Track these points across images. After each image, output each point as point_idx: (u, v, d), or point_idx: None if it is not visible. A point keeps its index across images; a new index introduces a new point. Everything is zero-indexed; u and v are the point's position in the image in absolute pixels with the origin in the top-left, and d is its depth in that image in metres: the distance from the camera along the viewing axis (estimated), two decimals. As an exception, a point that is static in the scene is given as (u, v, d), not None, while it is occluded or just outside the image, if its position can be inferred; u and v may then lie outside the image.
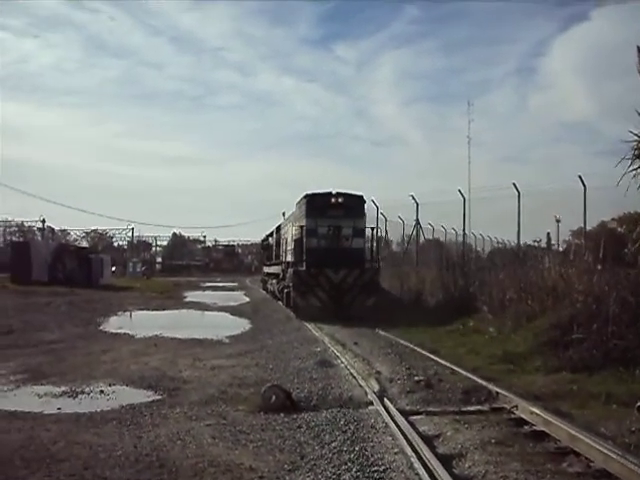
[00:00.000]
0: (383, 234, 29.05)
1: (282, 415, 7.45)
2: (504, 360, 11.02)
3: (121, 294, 31.97)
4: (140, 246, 78.91)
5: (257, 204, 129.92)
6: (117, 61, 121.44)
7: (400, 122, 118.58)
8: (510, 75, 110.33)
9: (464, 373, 9.79)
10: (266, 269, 36.03)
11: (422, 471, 5.33)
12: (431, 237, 27.84)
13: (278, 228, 29.54)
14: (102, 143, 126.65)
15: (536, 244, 21.89)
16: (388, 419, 7.11)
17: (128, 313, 23.59)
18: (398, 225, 27.65)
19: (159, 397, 8.71)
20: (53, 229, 64.78)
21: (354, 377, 9.78)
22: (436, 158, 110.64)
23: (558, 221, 20.24)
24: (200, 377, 10.07)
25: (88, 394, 8.86)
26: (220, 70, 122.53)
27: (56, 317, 19.68)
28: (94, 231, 75.23)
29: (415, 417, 7.38)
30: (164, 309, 25.18)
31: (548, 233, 21.56)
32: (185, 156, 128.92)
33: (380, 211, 26.40)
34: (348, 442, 6.32)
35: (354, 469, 5.52)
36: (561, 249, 20.19)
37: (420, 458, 5.64)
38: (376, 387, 8.93)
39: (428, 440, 6.35)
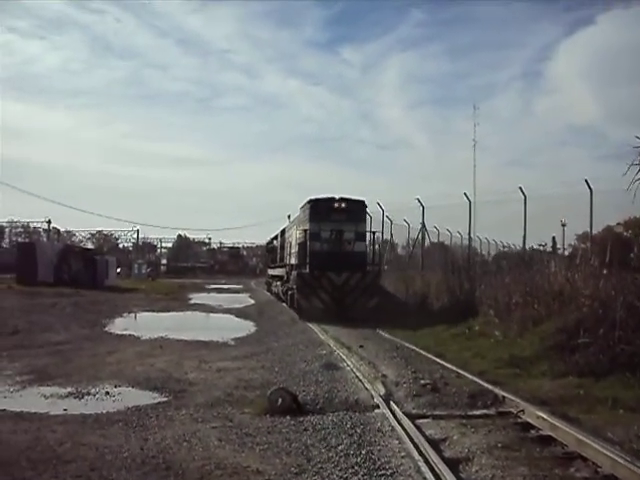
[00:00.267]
0: (388, 237, 29.10)
1: (288, 418, 7.45)
2: (510, 364, 10.97)
3: (126, 295, 32.05)
4: (145, 248, 79.05)
5: (263, 206, 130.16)
6: (123, 62, 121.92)
7: (405, 125, 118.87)
8: (515, 79, 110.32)
9: (470, 377, 9.75)
10: (271, 271, 36.31)
11: (429, 475, 5.32)
12: (436, 240, 27.83)
13: (283, 231, 29.86)
14: (109, 144, 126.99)
15: (541, 248, 21.81)
16: (395, 422, 7.10)
17: (133, 314, 23.67)
18: (403, 228, 27.68)
19: (165, 399, 8.72)
20: (59, 230, 65.00)
21: (360, 380, 9.76)
22: (441, 161, 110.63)
23: (564, 225, 20.18)
24: (206, 379, 10.08)
25: (94, 395, 8.89)
26: (226, 72, 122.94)
27: (62, 318, 19.74)
28: (99, 232, 75.58)
29: (421, 421, 7.36)
30: (169, 311, 25.23)
31: (553, 237, 21.45)
32: (191, 157, 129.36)
33: (385, 214, 26.44)
34: (355, 445, 6.31)
35: (361, 472, 5.51)
36: (567, 253, 20.15)
37: (427, 462, 5.64)
38: (382, 390, 8.91)
39: (435, 444, 6.34)
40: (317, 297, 19.74)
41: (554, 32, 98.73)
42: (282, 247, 29.15)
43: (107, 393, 9.00)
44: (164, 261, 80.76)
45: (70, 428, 7.02)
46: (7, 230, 70.76)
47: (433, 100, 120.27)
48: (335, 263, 19.79)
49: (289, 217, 30.01)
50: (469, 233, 23.46)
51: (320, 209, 20.53)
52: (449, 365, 10.96)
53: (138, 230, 73.93)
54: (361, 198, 21.23)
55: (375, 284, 20.46)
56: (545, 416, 6.98)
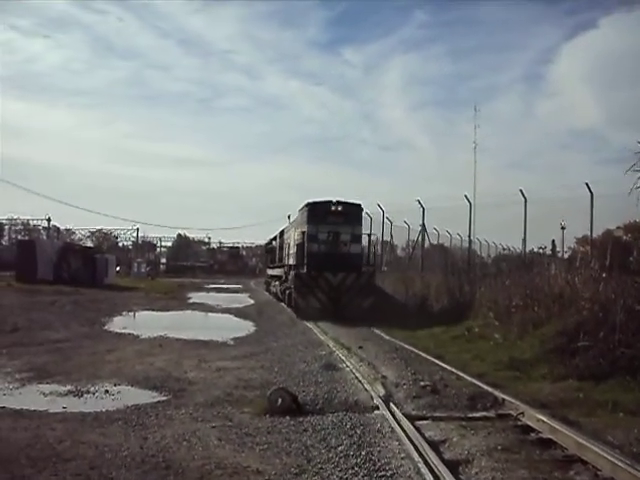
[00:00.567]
0: (388, 238, 29.13)
1: (288, 418, 7.44)
2: (510, 367, 10.97)
3: (125, 294, 32.01)
4: (145, 246, 79.03)
5: (264, 207, 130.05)
6: (125, 62, 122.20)
7: (407, 127, 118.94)
8: (517, 82, 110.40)
9: (470, 379, 9.75)
10: (270, 271, 36.61)
11: (429, 477, 5.32)
12: (436, 242, 27.86)
13: (281, 232, 30.26)
14: (111, 144, 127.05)
15: (541, 251, 21.84)
16: (394, 424, 7.09)
17: (133, 313, 23.63)
18: (403, 230, 27.72)
19: (164, 398, 8.71)
20: (58, 228, 65.01)
21: (360, 381, 9.75)
22: (442, 163, 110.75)
23: (563, 228, 20.20)
24: (205, 378, 10.07)
25: (93, 394, 8.87)
26: (228, 73, 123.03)
27: (61, 316, 19.72)
28: (99, 231, 75.47)
29: (421, 422, 7.36)
30: (168, 310, 25.20)
31: (553, 240, 21.50)
32: (193, 158, 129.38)
33: (386, 215, 26.46)
34: (355, 446, 6.31)
35: (361, 473, 5.51)
36: (566, 256, 20.16)
37: (427, 463, 5.63)
38: (382, 391, 8.90)
39: (434, 445, 6.33)
40: (314, 296, 20.41)
41: (556, 35, 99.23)
42: (281, 248, 29.51)
43: (106, 391, 8.99)
44: (163, 260, 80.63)
45: (69, 426, 7.01)
46: (7, 227, 70.65)
47: (435, 102, 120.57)
48: (332, 264, 20.41)
49: (289, 217, 30.16)
50: (469, 235, 23.52)
51: (318, 212, 21.17)
52: (449, 367, 10.96)
53: (138, 229, 74.08)
54: (357, 201, 21.91)
55: (370, 284, 21.01)
56: (545, 419, 6.97)
